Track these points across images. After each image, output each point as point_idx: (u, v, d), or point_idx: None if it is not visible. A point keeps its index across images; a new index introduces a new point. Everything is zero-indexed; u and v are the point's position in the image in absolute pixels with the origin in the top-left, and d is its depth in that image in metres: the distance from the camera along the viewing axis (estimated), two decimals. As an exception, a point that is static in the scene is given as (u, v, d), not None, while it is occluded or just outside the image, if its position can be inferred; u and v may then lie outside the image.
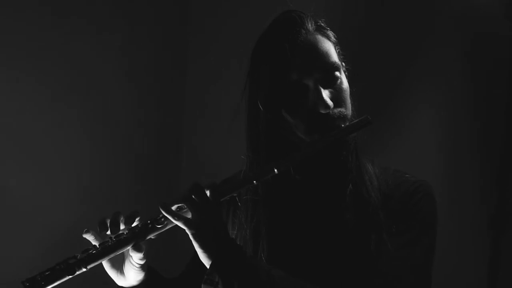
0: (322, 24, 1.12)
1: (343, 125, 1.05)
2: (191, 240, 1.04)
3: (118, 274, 1.13)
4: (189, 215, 1.07)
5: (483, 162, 1.33)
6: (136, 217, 1.10)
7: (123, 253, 1.11)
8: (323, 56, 1.07)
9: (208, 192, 1.08)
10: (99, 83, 1.99)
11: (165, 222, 1.07)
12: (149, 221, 1.08)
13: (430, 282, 1.10)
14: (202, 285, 1.01)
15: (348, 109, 1.06)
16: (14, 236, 1.84)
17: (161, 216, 1.07)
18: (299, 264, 1.11)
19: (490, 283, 1.18)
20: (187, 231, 1.04)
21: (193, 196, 1.07)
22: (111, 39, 2.02)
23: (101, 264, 1.10)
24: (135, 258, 1.10)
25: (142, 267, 1.11)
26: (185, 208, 1.06)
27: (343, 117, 1.06)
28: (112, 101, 2.03)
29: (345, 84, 1.07)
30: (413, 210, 1.10)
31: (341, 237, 1.08)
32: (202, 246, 1.04)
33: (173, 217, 1.04)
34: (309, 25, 1.08)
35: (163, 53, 2.17)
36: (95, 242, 1.09)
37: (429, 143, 1.60)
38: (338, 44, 1.12)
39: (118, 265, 1.13)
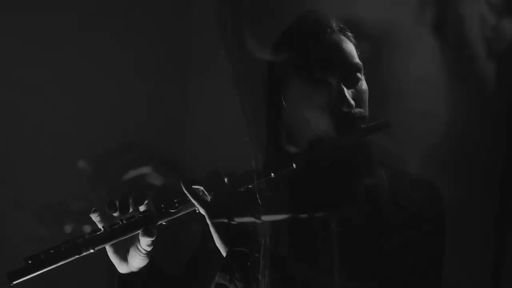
0: (344, 26, 1.12)
1: (362, 126, 1.04)
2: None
3: (121, 259, 1.10)
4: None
5: (487, 160, 1.30)
6: (146, 199, 1.07)
7: (128, 237, 1.08)
8: (348, 56, 1.05)
9: (226, 180, 1.04)
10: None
11: (179, 207, 1.03)
12: (162, 205, 1.05)
13: (440, 284, 1.08)
14: (218, 273, 0.99)
15: (366, 111, 1.05)
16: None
17: (176, 201, 1.04)
18: (317, 260, 1.05)
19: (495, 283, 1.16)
20: (204, 213, 1.02)
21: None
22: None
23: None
24: (143, 244, 1.06)
25: (148, 254, 1.08)
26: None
27: (362, 118, 1.05)
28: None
29: (365, 86, 1.05)
30: (423, 212, 1.08)
31: (351, 238, 1.07)
32: (217, 232, 1.02)
33: (192, 195, 1.02)
34: (334, 25, 1.07)
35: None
36: (101, 224, 1.06)
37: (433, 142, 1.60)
38: (358, 46, 1.11)
39: (123, 250, 1.09)
